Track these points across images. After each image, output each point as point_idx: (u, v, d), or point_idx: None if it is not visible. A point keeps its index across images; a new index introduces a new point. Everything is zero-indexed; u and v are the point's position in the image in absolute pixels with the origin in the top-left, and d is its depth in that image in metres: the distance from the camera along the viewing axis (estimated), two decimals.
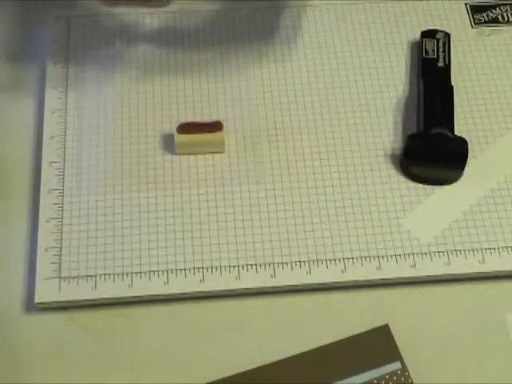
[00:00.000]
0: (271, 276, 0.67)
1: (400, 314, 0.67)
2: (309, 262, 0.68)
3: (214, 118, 0.75)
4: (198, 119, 0.75)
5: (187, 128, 0.73)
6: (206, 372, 0.63)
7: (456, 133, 0.73)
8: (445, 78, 0.77)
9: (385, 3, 0.85)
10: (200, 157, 0.73)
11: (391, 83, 0.79)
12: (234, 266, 0.67)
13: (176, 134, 0.72)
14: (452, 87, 0.76)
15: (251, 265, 0.68)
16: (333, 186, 0.72)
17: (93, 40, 0.81)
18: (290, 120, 0.76)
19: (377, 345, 0.65)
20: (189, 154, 0.73)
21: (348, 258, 0.68)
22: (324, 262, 0.68)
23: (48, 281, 0.66)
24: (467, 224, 0.70)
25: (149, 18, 0.82)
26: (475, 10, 0.85)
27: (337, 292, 0.68)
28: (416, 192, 0.72)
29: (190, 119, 0.75)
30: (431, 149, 0.72)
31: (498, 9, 0.85)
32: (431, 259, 0.68)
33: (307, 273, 0.67)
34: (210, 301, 0.67)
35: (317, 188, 0.72)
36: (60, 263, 0.67)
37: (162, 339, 0.65)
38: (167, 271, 0.67)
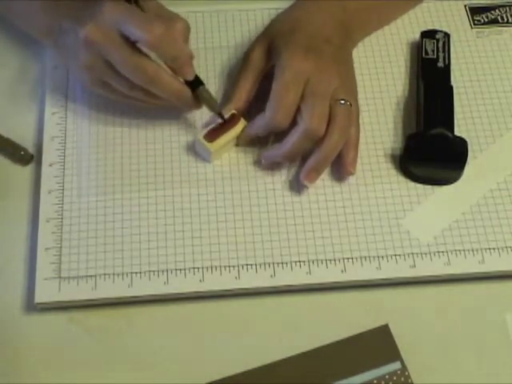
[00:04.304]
0: (271, 276, 0.67)
1: (400, 314, 0.67)
2: (309, 261, 0.68)
3: None
4: (198, 119, 0.75)
5: (214, 134, 0.72)
6: (206, 372, 0.63)
7: (456, 133, 0.73)
8: (445, 78, 0.78)
9: None
10: (200, 157, 0.73)
11: (391, 83, 0.79)
12: (233, 266, 0.67)
13: (206, 143, 0.71)
14: (452, 87, 0.76)
15: (251, 265, 0.68)
16: (333, 186, 0.72)
17: None
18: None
19: (377, 345, 0.65)
20: (221, 155, 0.73)
21: (348, 258, 0.68)
22: (324, 261, 0.68)
23: (48, 281, 0.66)
24: (467, 224, 0.70)
25: None
26: (474, 11, 0.85)
27: (337, 292, 0.68)
28: (416, 192, 0.72)
29: (190, 118, 0.75)
30: (431, 149, 0.72)
31: (497, 10, 0.86)
32: (431, 259, 0.68)
33: (307, 273, 0.67)
34: (210, 301, 0.67)
35: (316, 188, 0.72)
36: (60, 263, 0.67)
37: (162, 339, 0.65)
38: (167, 271, 0.67)
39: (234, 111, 0.73)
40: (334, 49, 0.73)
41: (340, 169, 0.72)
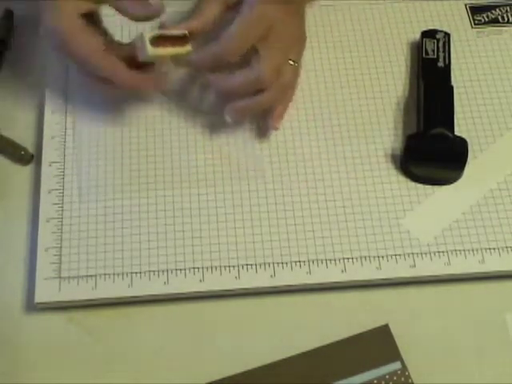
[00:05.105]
0: (271, 276, 0.67)
1: (400, 314, 0.67)
2: (309, 261, 0.68)
3: None
4: (199, 120, 0.75)
5: (160, 42, 0.68)
6: (206, 372, 0.63)
7: (456, 133, 0.73)
8: (445, 78, 0.77)
9: (385, 3, 0.85)
10: (200, 155, 0.73)
11: (391, 83, 0.79)
12: (233, 266, 0.67)
13: (148, 45, 0.67)
14: (452, 87, 0.76)
15: (251, 265, 0.68)
16: (333, 186, 0.72)
17: None
18: (290, 120, 0.76)
19: (377, 345, 0.65)
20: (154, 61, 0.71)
21: (348, 258, 0.68)
22: (324, 261, 0.68)
23: (48, 281, 0.66)
24: (467, 224, 0.70)
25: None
26: (475, 10, 0.85)
27: (337, 292, 0.68)
28: (416, 192, 0.72)
29: (190, 118, 0.75)
30: (431, 149, 0.72)
31: (497, 9, 0.86)
32: (431, 259, 0.68)
33: (307, 273, 0.67)
34: (210, 301, 0.67)
35: (317, 188, 0.72)
36: (60, 263, 0.67)
37: (162, 339, 0.65)
38: (167, 271, 0.67)
39: (186, 32, 0.70)
40: (301, 2, 0.74)
41: (266, 122, 0.74)
